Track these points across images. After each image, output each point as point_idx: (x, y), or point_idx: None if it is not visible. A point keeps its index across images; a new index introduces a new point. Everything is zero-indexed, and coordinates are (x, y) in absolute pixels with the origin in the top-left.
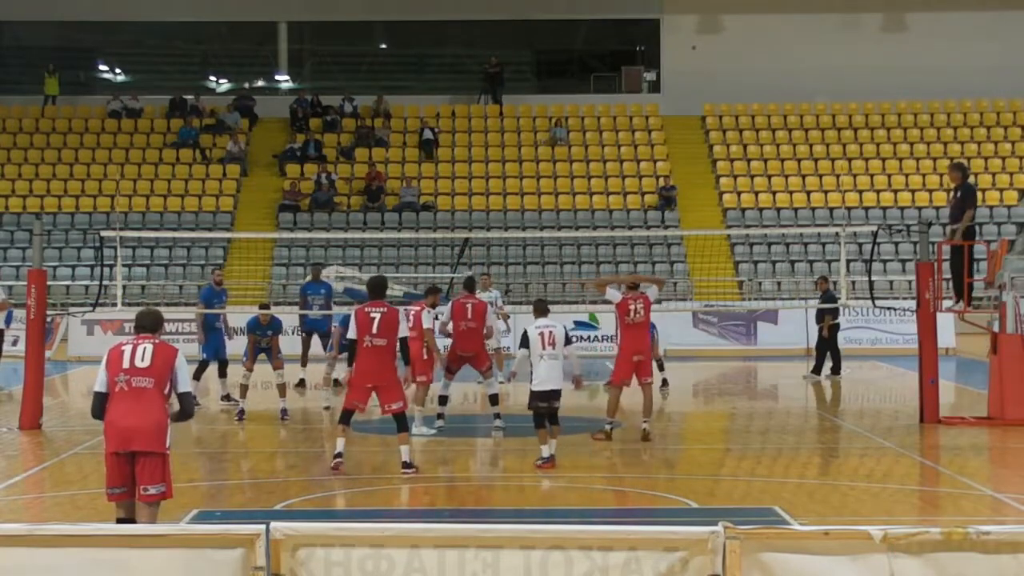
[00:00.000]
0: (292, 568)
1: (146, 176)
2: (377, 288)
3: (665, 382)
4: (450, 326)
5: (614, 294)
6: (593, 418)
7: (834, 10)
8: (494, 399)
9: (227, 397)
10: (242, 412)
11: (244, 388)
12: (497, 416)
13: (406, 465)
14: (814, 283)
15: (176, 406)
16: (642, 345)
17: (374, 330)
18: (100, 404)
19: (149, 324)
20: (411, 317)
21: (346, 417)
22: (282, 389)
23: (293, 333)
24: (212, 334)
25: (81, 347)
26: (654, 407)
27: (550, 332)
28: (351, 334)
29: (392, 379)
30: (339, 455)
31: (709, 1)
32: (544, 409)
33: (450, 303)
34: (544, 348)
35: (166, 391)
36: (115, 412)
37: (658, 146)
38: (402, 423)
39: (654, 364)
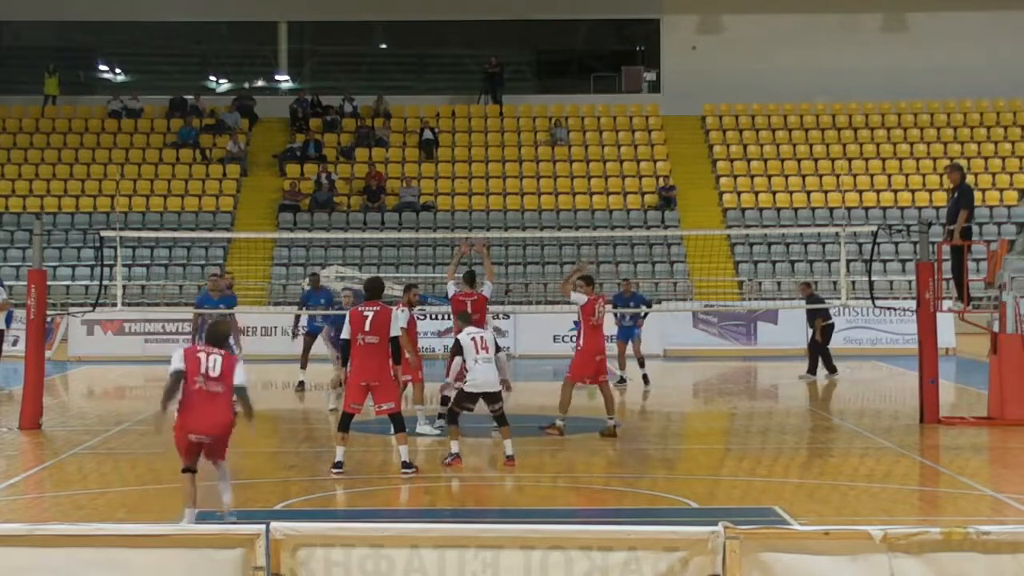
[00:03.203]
0: (292, 568)
1: (146, 176)
2: (373, 289)
3: (646, 378)
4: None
5: (580, 297)
6: (593, 418)
7: (834, 10)
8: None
9: None
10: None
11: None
12: None
13: (405, 465)
14: (799, 287)
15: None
16: (603, 345)
17: (366, 328)
18: (176, 383)
19: (220, 338)
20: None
21: (345, 423)
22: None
23: (294, 338)
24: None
25: (81, 347)
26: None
27: (481, 337)
28: (345, 334)
29: (386, 378)
30: (338, 464)
31: (709, 1)
32: (468, 409)
33: (450, 298)
34: (478, 352)
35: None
36: (194, 409)
37: (658, 146)
38: (398, 423)
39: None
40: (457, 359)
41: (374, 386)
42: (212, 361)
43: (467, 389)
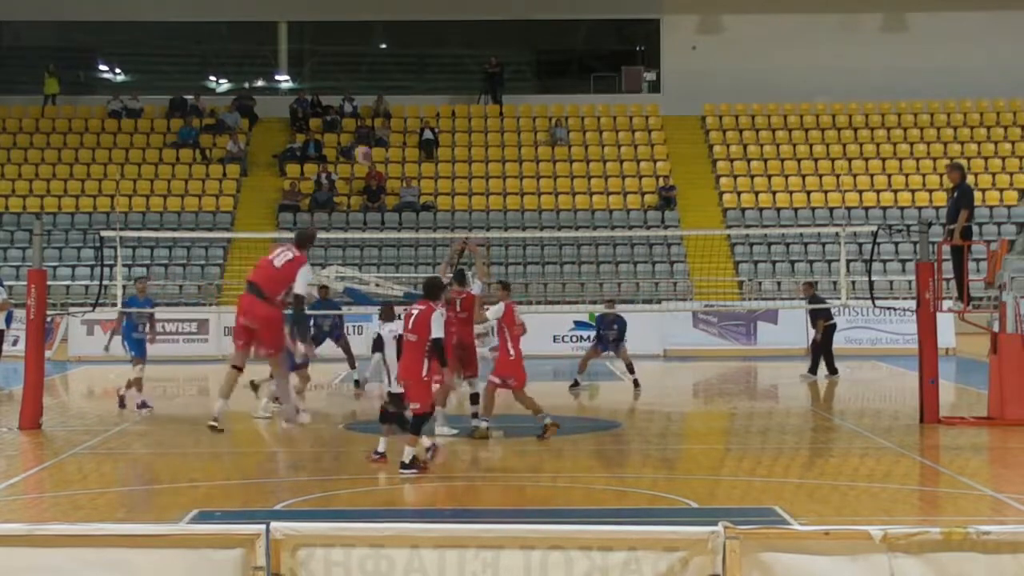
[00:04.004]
0: (292, 568)
1: (146, 176)
2: (427, 289)
3: (636, 383)
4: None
5: (498, 309)
6: (594, 418)
7: (834, 10)
8: (475, 398)
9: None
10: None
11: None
12: (475, 416)
13: (403, 466)
14: (802, 287)
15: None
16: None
17: (409, 326)
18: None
19: (306, 240)
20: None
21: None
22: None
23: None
24: (130, 339)
25: (81, 347)
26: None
27: (402, 335)
28: (399, 330)
29: (416, 378)
30: (381, 454)
31: (709, 1)
32: (401, 408)
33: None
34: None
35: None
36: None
37: (658, 146)
38: (414, 424)
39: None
40: (377, 355)
41: (407, 384)
42: (281, 257)
43: (393, 391)
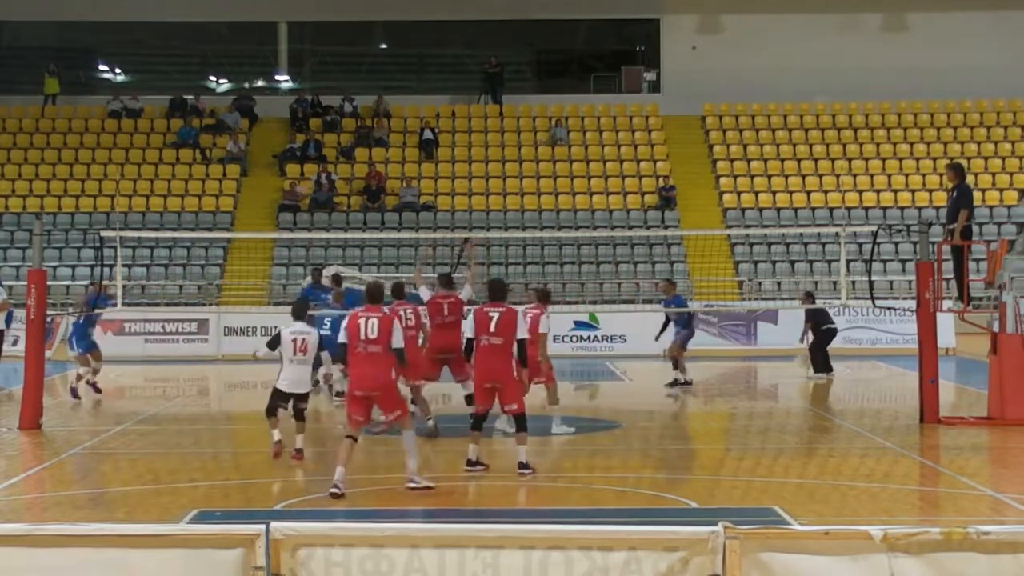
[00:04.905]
0: (292, 568)
1: (146, 176)
2: (498, 290)
3: (675, 382)
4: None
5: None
6: (594, 418)
7: (834, 10)
8: (470, 399)
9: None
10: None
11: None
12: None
13: (522, 466)
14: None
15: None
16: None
17: (491, 329)
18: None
19: (378, 296)
20: (528, 320)
21: (478, 423)
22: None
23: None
24: (84, 335)
25: None
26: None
27: (303, 339)
28: (468, 333)
29: (509, 379)
30: (473, 463)
31: (709, 1)
32: (282, 407)
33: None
34: (295, 353)
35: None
36: (356, 368)
37: (658, 146)
38: (520, 424)
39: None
40: (277, 352)
41: (499, 388)
42: (371, 325)
43: (278, 386)
